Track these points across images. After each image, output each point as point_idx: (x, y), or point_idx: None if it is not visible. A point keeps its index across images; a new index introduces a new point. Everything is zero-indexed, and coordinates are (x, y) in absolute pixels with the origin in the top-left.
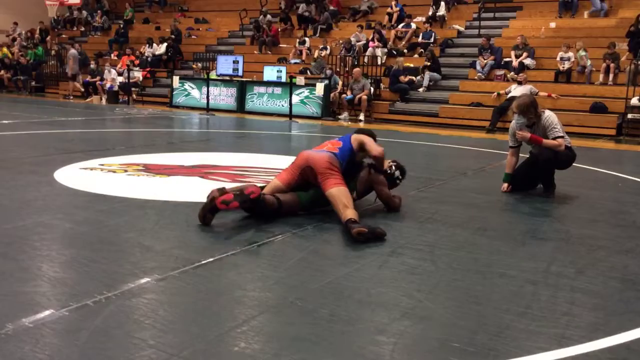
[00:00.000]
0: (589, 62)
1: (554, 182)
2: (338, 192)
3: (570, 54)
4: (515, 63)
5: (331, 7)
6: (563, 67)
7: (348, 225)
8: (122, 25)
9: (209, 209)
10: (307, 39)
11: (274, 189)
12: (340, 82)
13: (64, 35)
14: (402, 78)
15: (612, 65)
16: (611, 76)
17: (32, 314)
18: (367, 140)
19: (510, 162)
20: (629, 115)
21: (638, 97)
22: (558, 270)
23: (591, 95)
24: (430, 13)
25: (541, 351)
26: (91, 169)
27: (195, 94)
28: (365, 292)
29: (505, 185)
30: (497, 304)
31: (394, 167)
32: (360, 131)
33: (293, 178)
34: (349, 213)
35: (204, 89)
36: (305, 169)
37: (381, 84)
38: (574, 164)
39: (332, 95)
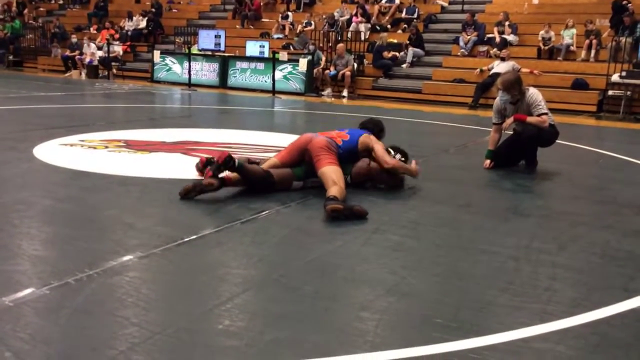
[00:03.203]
0: (568, 39)
1: (536, 159)
2: (328, 170)
3: (552, 33)
4: (497, 39)
5: None
6: (545, 46)
7: (325, 202)
8: None
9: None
10: (290, 13)
11: (270, 166)
12: (324, 58)
13: (41, 9)
14: (385, 54)
15: (594, 41)
16: (593, 52)
17: (12, 293)
18: (379, 149)
19: (493, 139)
20: (610, 92)
21: (619, 74)
22: (540, 246)
23: (573, 72)
24: None
25: (523, 326)
26: (71, 145)
27: (176, 69)
28: (349, 268)
29: (488, 161)
30: (479, 280)
31: (397, 156)
32: (368, 122)
33: (291, 157)
34: (333, 190)
35: (186, 64)
36: (304, 151)
37: (364, 60)
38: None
39: (315, 71)
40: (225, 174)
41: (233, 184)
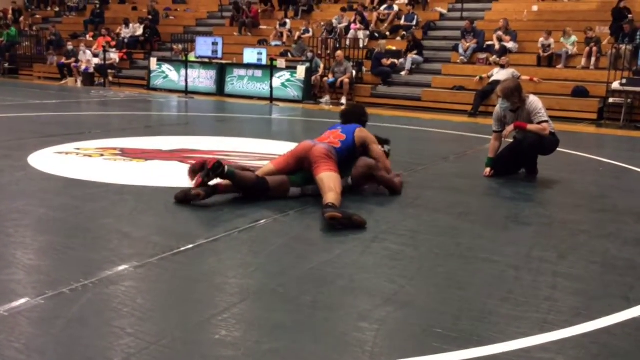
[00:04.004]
0: (569, 46)
1: (537, 167)
2: (326, 176)
3: (552, 40)
4: (497, 46)
5: None
6: (544, 54)
7: (323, 210)
8: (97, 6)
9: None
10: (288, 20)
11: (265, 172)
12: (322, 65)
13: (37, 16)
14: (384, 61)
15: (594, 49)
16: (593, 60)
17: (7, 303)
18: (376, 149)
19: (493, 147)
20: (610, 100)
21: (619, 82)
22: (540, 254)
23: (573, 79)
24: None
25: (523, 336)
26: (66, 153)
27: (173, 76)
28: (348, 278)
29: (488, 169)
30: (479, 289)
31: (386, 147)
32: (350, 114)
33: (287, 165)
34: (330, 197)
35: (183, 71)
36: (303, 159)
37: (363, 67)
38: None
39: (313, 78)
40: (217, 181)
41: (225, 191)
